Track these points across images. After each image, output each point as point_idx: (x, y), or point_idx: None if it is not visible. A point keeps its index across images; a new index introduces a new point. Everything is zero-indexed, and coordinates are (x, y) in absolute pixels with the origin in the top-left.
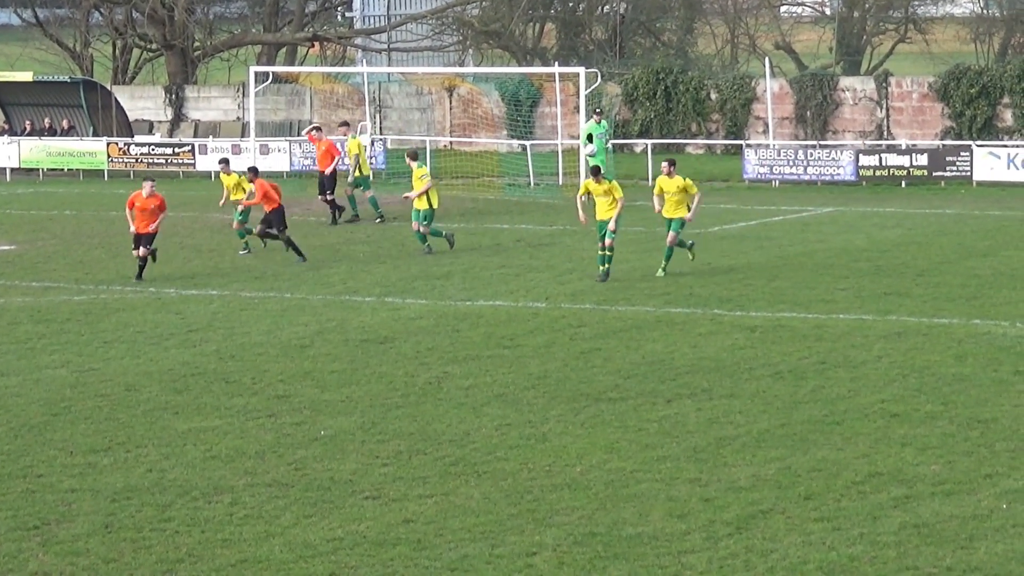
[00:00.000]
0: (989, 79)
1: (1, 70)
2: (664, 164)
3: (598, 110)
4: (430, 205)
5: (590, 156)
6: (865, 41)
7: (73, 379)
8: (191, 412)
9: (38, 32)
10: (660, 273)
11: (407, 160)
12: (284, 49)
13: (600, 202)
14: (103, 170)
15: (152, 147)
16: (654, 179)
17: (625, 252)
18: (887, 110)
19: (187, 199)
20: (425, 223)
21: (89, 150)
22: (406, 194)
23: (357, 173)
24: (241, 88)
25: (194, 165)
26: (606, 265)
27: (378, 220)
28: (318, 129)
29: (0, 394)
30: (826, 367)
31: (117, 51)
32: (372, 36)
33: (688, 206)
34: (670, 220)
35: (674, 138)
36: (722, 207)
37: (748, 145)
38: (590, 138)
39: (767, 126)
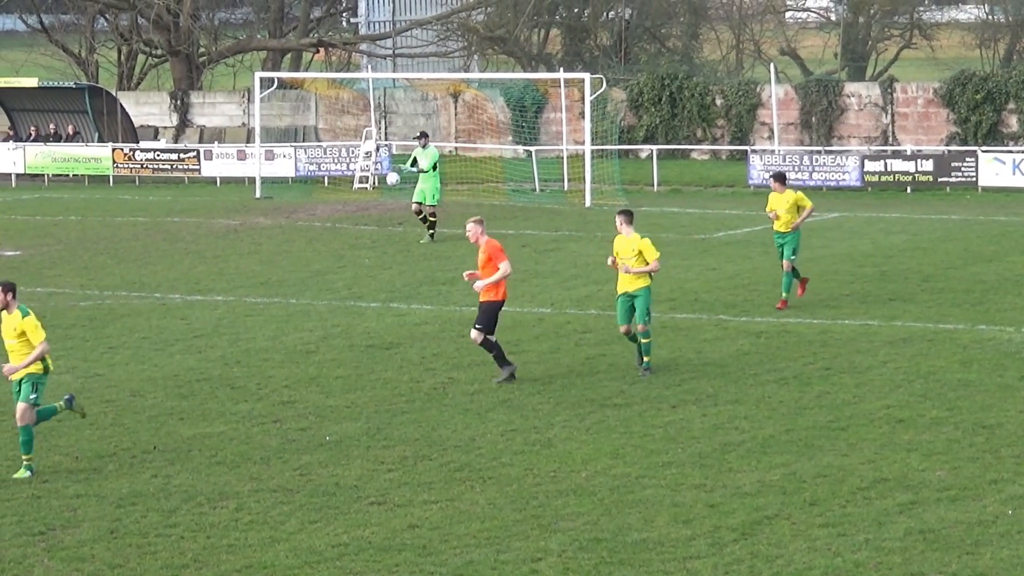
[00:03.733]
0: (994, 85)
1: (6, 76)
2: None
3: (423, 133)
4: None
5: (394, 184)
6: (870, 47)
7: (78, 385)
8: (196, 418)
9: (43, 38)
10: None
11: None
12: (289, 55)
13: (625, 275)
14: (108, 176)
15: (157, 153)
16: (659, 184)
17: None
18: (892, 116)
19: (192, 204)
20: None
21: (94, 156)
22: None
23: None
24: (246, 94)
25: (199, 171)
26: (645, 358)
27: None
28: None
29: (5, 400)
30: (831, 373)
31: (122, 57)
32: (377, 42)
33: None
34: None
35: (679, 144)
36: (727, 213)
37: (753, 151)
38: (414, 163)
39: (772, 132)
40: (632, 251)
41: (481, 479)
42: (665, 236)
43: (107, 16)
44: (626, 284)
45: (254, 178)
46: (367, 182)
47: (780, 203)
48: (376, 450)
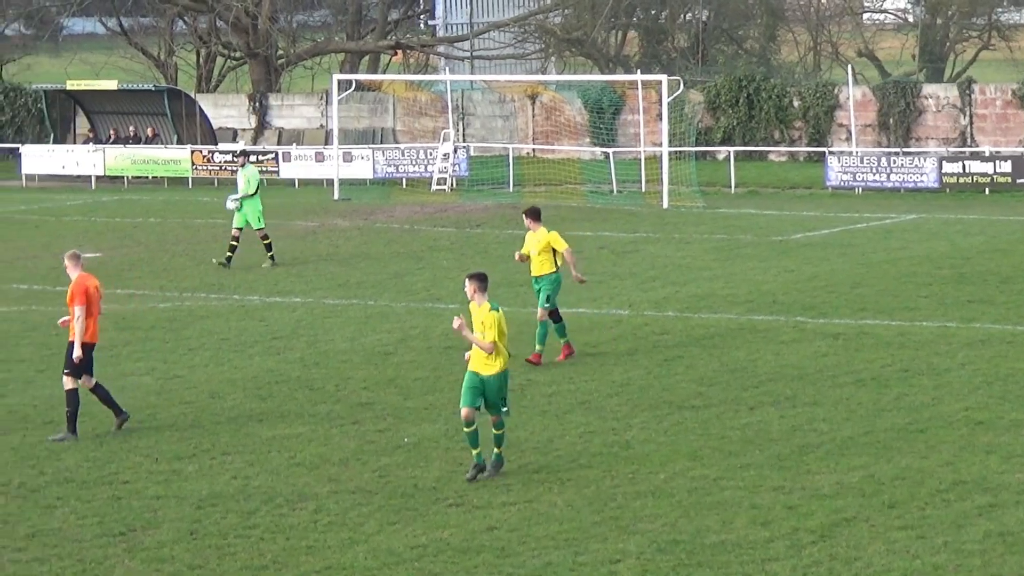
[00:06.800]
0: None
1: (86, 78)
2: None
3: (243, 152)
4: None
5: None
6: (948, 48)
7: (158, 386)
8: (275, 419)
9: (123, 41)
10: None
11: None
12: (367, 57)
13: (478, 351)
14: (187, 178)
15: (236, 155)
16: (736, 186)
17: (707, 260)
18: (970, 117)
19: (270, 206)
20: None
21: (173, 158)
22: None
23: None
24: (324, 96)
25: (278, 173)
26: (496, 449)
27: None
28: None
29: (85, 401)
30: (909, 375)
31: (201, 59)
32: (455, 44)
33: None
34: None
35: (756, 146)
36: (805, 214)
37: (831, 152)
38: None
39: (850, 133)
40: (480, 324)
41: (559, 481)
42: (743, 237)
43: (186, 19)
44: (478, 363)
45: (332, 180)
46: (445, 184)
47: (532, 243)
48: (454, 452)
